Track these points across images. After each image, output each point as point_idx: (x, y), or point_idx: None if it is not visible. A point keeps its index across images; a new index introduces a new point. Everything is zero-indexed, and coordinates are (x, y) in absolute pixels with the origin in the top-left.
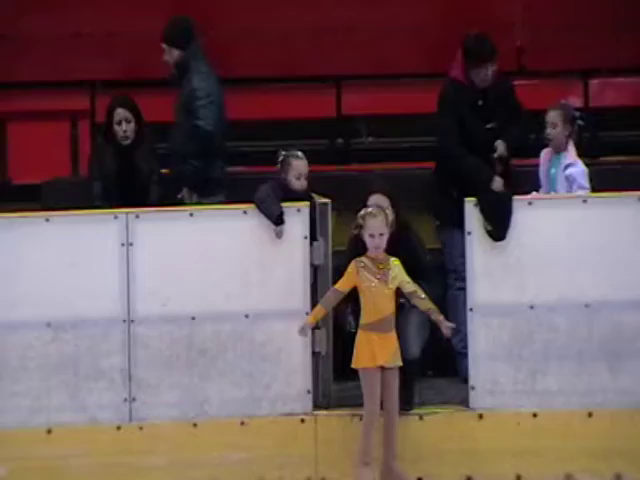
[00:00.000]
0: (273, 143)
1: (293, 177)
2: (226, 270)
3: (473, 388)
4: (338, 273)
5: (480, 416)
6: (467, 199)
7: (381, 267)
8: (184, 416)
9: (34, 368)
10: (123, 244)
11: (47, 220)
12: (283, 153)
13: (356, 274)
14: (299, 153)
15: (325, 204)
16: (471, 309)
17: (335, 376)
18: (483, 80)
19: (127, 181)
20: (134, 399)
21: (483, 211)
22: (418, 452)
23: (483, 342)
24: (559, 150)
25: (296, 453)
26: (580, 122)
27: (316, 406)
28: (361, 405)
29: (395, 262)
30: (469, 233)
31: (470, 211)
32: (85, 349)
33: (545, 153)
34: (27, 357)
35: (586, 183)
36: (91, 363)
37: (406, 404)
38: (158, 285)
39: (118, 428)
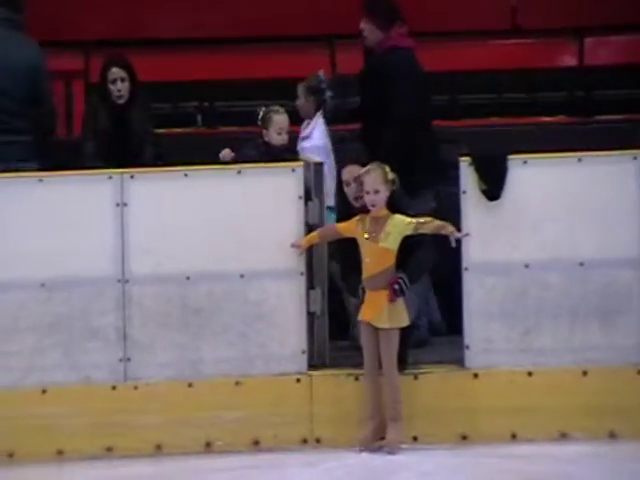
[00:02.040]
0: (268, 102)
1: (274, 132)
2: (220, 230)
3: (468, 347)
4: None
5: (475, 375)
6: (462, 158)
7: (376, 224)
8: (179, 376)
9: (28, 328)
10: (117, 204)
11: (40, 180)
12: (263, 109)
13: (355, 225)
14: (279, 108)
15: (320, 164)
16: (466, 268)
17: (330, 336)
18: None
19: (121, 141)
20: (129, 359)
21: (478, 170)
22: (413, 411)
23: (478, 301)
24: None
25: (291, 413)
26: (329, 93)
27: (311, 366)
28: (356, 365)
29: (397, 219)
30: (464, 192)
31: (465, 170)
32: (79, 309)
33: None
34: (21, 317)
35: (321, 158)
36: (85, 323)
37: (400, 364)
38: (152, 245)
39: (113, 388)
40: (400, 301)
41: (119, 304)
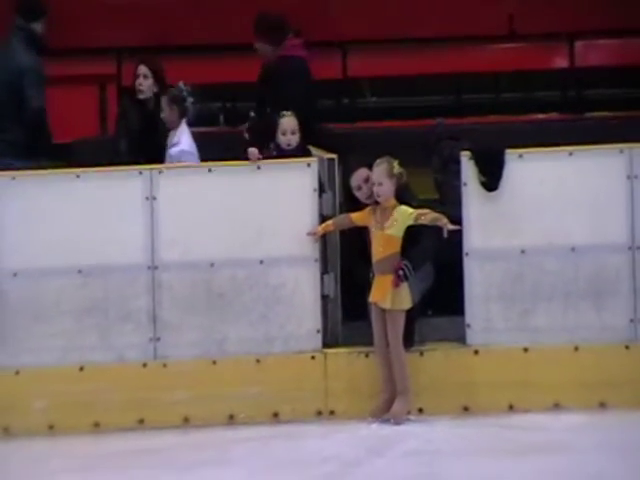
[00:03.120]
0: None
1: (280, 133)
2: (242, 220)
3: (469, 326)
4: None
5: (475, 352)
6: (463, 153)
7: (383, 214)
8: (204, 354)
9: (67, 311)
10: (147, 198)
11: (78, 176)
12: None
13: (367, 215)
14: (286, 112)
15: (332, 159)
16: (467, 254)
17: (343, 317)
18: None
19: (150, 139)
20: (158, 339)
21: (477, 163)
22: (419, 385)
23: (478, 284)
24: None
25: (307, 388)
26: (190, 100)
27: (325, 344)
28: (366, 343)
29: (402, 209)
30: (465, 184)
31: (465, 164)
32: (113, 294)
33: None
34: (61, 301)
35: (189, 161)
36: (119, 306)
37: (407, 342)
38: (179, 235)
39: (144, 365)
40: (404, 286)
41: (150, 289)
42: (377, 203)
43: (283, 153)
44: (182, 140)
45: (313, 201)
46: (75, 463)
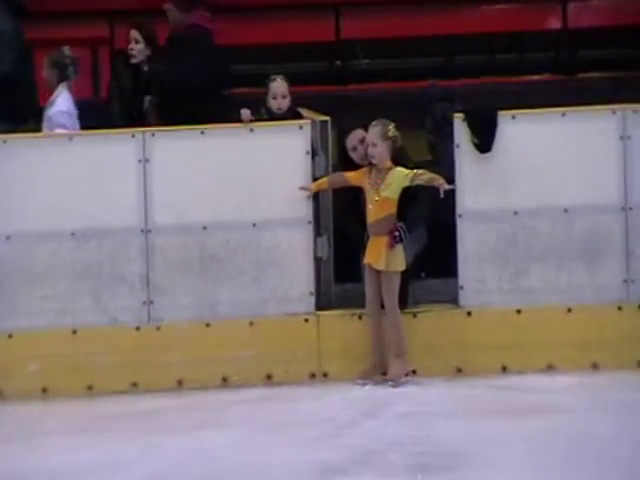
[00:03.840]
0: (278, 65)
1: (270, 97)
2: (235, 183)
3: (462, 287)
4: None
5: (469, 313)
6: (455, 115)
7: (378, 175)
8: (197, 317)
9: (60, 274)
10: (140, 160)
11: (70, 139)
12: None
13: (362, 175)
14: (276, 76)
15: (325, 121)
16: (460, 215)
17: (336, 279)
18: None
19: (143, 102)
20: (152, 302)
21: (470, 125)
22: (413, 347)
23: (471, 245)
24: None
25: (300, 350)
26: (72, 69)
27: (318, 307)
28: (359, 305)
29: (397, 171)
30: (457, 146)
31: (458, 125)
32: (107, 257)
33: None
34: (54, 264)
35: (65, 121)
36: (112, 269)
37: (400, 304)
38: (173, 198)
39: (137, 328)
40: (399, 247)
41: (143, 252)
42: (372, 165)
43: (274, 117)
44: (58, 101)
45: (306, 163)
46: (69, 426)
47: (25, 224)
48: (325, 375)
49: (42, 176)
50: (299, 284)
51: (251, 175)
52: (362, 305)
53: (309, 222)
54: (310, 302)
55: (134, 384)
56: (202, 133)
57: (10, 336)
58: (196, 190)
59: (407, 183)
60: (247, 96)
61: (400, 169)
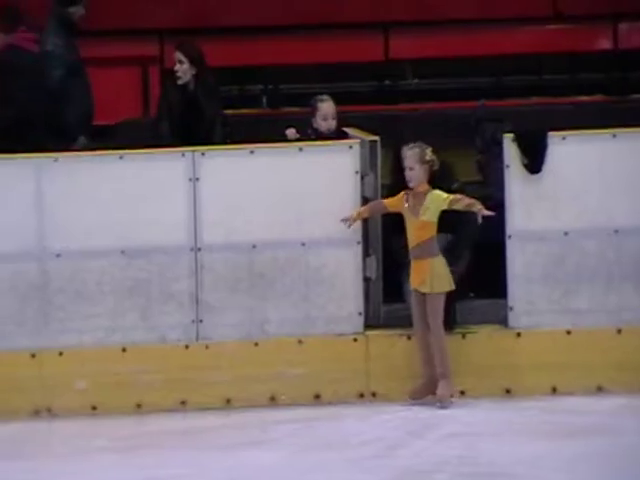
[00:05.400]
0: (327, 85)
1: (320, 118)
2: (284, 202)
3: (511, 309)
4: None
5: (518, 334)
6: (505, 135)
7: (416, 199)
8: (246, 336)
9: (110, 292)
10: (190, 179)
11: (121, 158)
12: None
13: (400, 200)
14: (325, 96)
15: (374, 141)
16: (509, 236)
17: (384, 298)
18: None
19: (191, 121)
20: (201, 320)
21: (520, 146)
22: (461, 368)
23: (520, 266)
24: None
25: (348, 369)
26: None
27: (367, 326)
28: (407, 325)
29: (435, 194)
30: (507, 166)
31: (508, 146)
32: (156, 275)
33: None
34: (103, 282)
35: None
36: (162, 287)
37: (448, 324)
38: (222, 216)
39: (186, 347)
40: (443, 268)
41: (192, 270)
42: (408, 188)
43: (320, 137)
44: None
45: (355, 183)
46: (117, 443)
47: (75, 242)
48: (373, 395)
49: (92, 194)
50: (348, 304)
51: (300, 194)
52: (410, 325)
53: (358, 242)
54: (359, 322)
55: (183, 402)
56: (251, 152)
57: (60, 354)
58: (245, 209)
59: (445, 207)
60: (295, 115)
61: (438, 192)
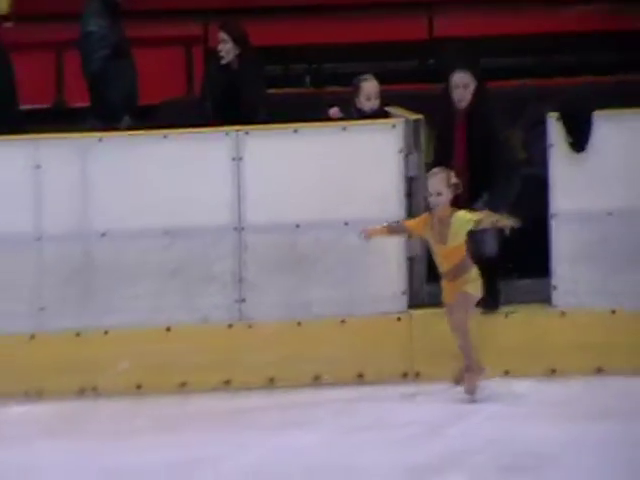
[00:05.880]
0: (371, 64)
1: (363, 98)
2: (327, 182)
3: (555, 288)
4: None
5: (562, 313)
6: (550, 114)
7: (442, 225)
8: (289, 315)
9: (153, 272)
10: (234, 159)
11: (165, 137)
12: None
13: (423, 224)
14: (368, 76)
15: (418, 120)
16: (553, 215)
17: (428, 278)
18: None
19: (235, 101)
20: (244, 300)
21: (565, 125)
22: (503, 347)
23: (564, 245)
24: None
25: (392, 349)
26: None
27: (410, 305)
28: None
29: (459, 217)
30: (551, 145)
31: (552, 125)
32: (199, 255)
33: None
34: (147, 262)
35: None
36: (204, 267)
37: (492, 303)
38: (265, 196)
39: (229, 326)
40: (476, 275)
41: (235, 250)
42: (430, 213)
43: (363, 116)
44: None
45: (398, 162)
46: (161, 423)
47: (119, 222)
48: (417, 375)
49: (136, 174)
50: (391, 283)
51: (343, 174)
52: None
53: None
54: (402, 301)
55: (226, 382)
56: (295, 132)
57: (105, 333)
58: (288, 188)
59: (471, 227)
60: (338, 94)
61: (462, 214)
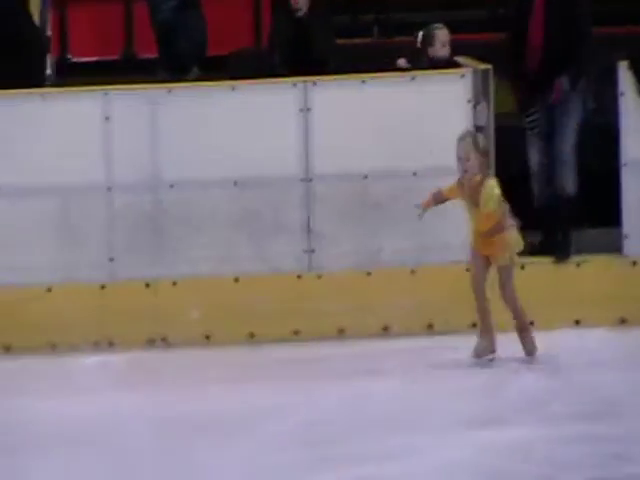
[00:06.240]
0: (439, 13)
1: (439, 45)
2: (395, 132)
3: (626, 237)
4: (499, 134)
5: (633, 263)
6: (620, 62)
7: (473, 190)
8: (359, 265)
9: (222, 222)
10: (301, 109)
11: (233, 89)
12: (424, 29)
13: (458, 188)
14: (439, 24)
15: (487, 70)
16: (624, 164)
17: None
18: None
19: (304, 51)
20: (313, 250)
21: (635, 73)
22: (576, 297)
23: (635, 194)
24: None
25: (462, 299)
26: None
27: None
28: (520, 254)
29: (490, 186)
30: (622, 94)
31: (623, 73)
32: (268, 205)
33: None
34: (216, 212)
35: None
36: (273, 218)
37: (563, 253)
38: (333, 146)
39: (298, 277)
40: (514, 238)
41: (304, 200)
42: (461, 180)
43: (433, 66)
44: None
45: (467, 112)
46: (230, 372)
47: (188, 172)
48: None
49: (205, 125)
50: (461, 232)
51: (412, 124)
52: (527, 253)
53: None
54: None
55: (295, 332)
56: (363, 82)
57: (174, 283)
58: (357, 139)
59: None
60: (406, 44)
61: (492, 184)
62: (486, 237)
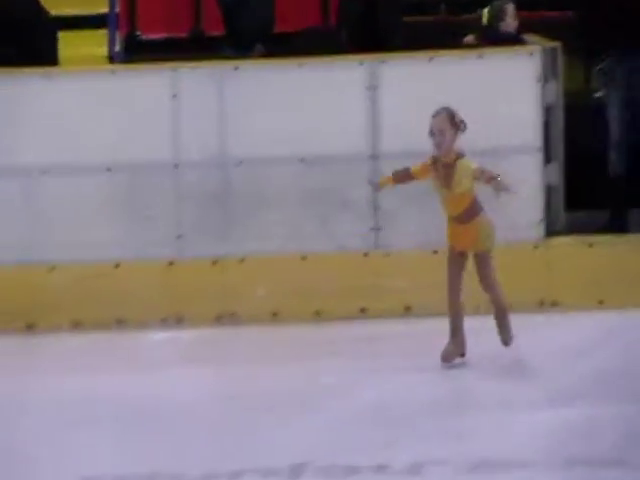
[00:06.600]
0: None
1: (510, 19)
2: (463, 110)
3: None
4: (568, 112)
5: None
6: None
7: (446, 169)
8: (425, 244)
9: (289, 200)
10: (368, 87)
11: (300, 66)
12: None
13: (428, 168)
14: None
15: (555, 48)
16: None
17: (566, 206)
18: None
19: (371, 29)
20: (380, 228)
21: None
22: (635, 277)
23: None
24: None
25: (529, 278)
26: None
27: (548, 233)
28: (589, 233)
29: (464, 164)
30: None
31: None
32: (335, 183)
33: None
34: (283, 190)
35: None
36: (340, 195)
37: (619, 231)
38: (401, 125)
39: (365, 255)
40: (488, 224)
41: (371, 179)
42: (434, 158)
43: (498, 40)
44: None
45: (536, 90)
46: (297, 350)
47: (255, 149)
48: (554, 304)
49: (272, 102)
50: (528, 211)
51: (479, 102)
52: (592, 232)
53: (539, 149)
54: (539, 229)
55: (362, 310)
56: (430, 60)
57: (241, 260)
58: (424, 116)
59: (476, 178)
60: (473, 23)
61: (466, 161)
62: (460, 223)
